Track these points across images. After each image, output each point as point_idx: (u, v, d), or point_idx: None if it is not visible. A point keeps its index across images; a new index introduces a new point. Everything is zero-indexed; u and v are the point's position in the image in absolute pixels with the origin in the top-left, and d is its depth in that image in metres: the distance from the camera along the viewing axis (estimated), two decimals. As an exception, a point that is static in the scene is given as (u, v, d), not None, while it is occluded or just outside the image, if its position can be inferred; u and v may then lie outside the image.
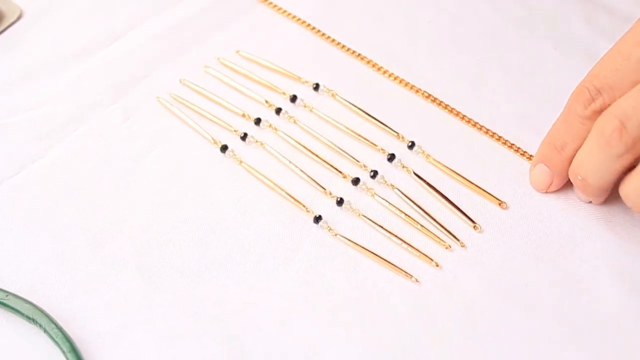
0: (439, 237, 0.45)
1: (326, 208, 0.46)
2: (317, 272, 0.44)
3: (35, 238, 0.46)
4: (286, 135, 0.50)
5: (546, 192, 0.46)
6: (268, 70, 0.54)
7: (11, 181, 0.48)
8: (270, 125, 0.51)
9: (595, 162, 0.41)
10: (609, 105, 0.41)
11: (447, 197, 0.46)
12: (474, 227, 0.45)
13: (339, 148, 0.49)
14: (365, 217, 0.46)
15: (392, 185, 0.47)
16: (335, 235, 0.45)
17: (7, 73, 0.54)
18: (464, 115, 0.50)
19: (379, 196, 0.47)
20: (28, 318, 0.42)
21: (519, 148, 0.48)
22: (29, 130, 0.51)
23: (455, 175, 0.47)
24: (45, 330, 0.41)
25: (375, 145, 0.49)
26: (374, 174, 0.48)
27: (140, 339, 0.42)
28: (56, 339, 0.41)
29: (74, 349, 0.40)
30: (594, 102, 0.42)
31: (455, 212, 0.46)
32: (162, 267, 0.44)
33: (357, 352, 0.41)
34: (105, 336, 0.42)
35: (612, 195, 0.45)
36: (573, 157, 0.43)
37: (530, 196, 0.46)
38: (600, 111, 0.41)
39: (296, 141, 0.49)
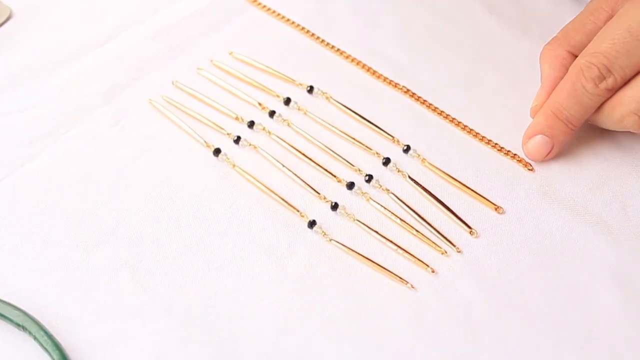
0: (434, 243, 0.44)
1: (320, 213, 0.46)
2: (311, 278, 0.43)
3: (25, 243, 0.45)
4: (280, 138, 0.49)
5: (542, 160, 0.47)
6: (261, 73, 0.53)
7: (0, 185, 0.48)
8: (263, 128, 0.50)
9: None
10: (621, 84, 0.43)
11: (443, 201, 0.46)
12: (470, 232, 0.44)
13: (333, 152, 0.48)
14: (360, 222, 0.45)
15: (387, 190, 0.47)
16: (330, 240, 0.44)
17: (-4, 74, 0.53)
18: (459, 122, 0.49)
19: (374, 201, 0.46)
20: (17, 325, 0.41)
21: (515, 155, 0.48)
22: (19, 133, 0.50)
23: (450, 180, 0.47)
24: (35, 338, 0.40)
25: (370, 149, 0.48)
26: (369, 178, 0.47)
27: (132, 346, 0.41)
28: (46, 347, 0.40)
29: (64, 357, 0.40)
30: (605, 81, 0.44)
31: (451, 217, 0.45)
32: (154, 273, 0.44)
33: (352, 359, 0.40)
34: (96, 343, 0.41)
35: (608, 199, 0.45)
36: (577, 128, 0.46)
37: (526, 200, 0.46)
38: (612, 89, 0.44)
39: (290, 145, 0.49)
